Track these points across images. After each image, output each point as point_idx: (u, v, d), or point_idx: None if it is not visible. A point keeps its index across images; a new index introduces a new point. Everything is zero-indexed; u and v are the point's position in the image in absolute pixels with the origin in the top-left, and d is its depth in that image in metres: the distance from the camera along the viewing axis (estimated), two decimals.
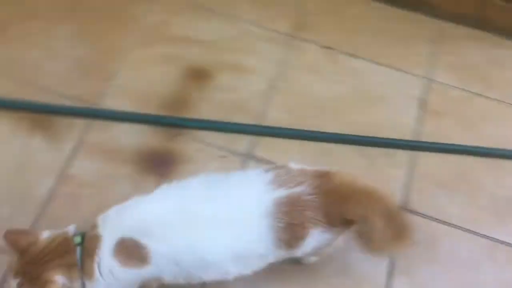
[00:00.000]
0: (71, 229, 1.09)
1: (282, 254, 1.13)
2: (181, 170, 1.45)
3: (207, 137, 1.51)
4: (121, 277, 1.06)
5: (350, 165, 1.49)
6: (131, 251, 1.05)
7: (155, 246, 1.04)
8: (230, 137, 1.52)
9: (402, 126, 1.58)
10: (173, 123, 1.51)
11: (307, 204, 1.09)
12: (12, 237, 1.06)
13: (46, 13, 1.67)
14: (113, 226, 1.08)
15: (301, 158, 1.48)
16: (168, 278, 1.09)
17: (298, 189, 1.09)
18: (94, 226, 1.08)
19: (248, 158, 1.49)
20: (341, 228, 1.14)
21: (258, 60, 1.67)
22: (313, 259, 1.29)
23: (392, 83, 1.67)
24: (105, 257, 1.05)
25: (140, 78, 1.59)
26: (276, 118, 1.57)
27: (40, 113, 1.48)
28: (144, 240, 1.04)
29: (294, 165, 1.15)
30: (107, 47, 1.64)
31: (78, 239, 1.06)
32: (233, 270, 1.10)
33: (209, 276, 1.12)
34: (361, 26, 1.80)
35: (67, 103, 1.51)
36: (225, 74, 1.63)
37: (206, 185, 1.11)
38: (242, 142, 1.52)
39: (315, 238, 1.12)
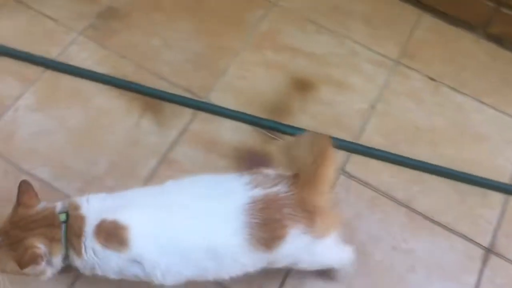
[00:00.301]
0: (58, 205, 1.13)
1: (259, 258, 1.12)
2: None
3: None
4: (103, 258, 1.09)
5: (440, 197, 1.50)
6: (111, 232, 1.08)
7: (136, 229, 1.07)
8: None
9: (499, 168, 1.56)
10: (272, 126, 1.57)
11: (285, 201, 1.09)
12: (24, 187, 1.11)
13: (169, 7, 1.79)
14: (98, 208, 1.11)
15: (392, 181, 1.52)
16: (148, 268, 1.10)
17: (274, 189, 1.10)
18: (76, 206, 1.11)
19: (339, 173, 1.53)
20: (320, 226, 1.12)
21: (361, 79, 1.71)
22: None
23: (493, 123, 1.66)
24: (89, 237, 1.08)
25: (247, 79, 1.67)
26: (371, 138, 1.60)
27: (152, 98, 1.59)
28: (125, 223, 1.08)
29: (270, 171, 1.16)
30: (220, 46, 1.73)
31: (63, 217, 1.10)
32: (210, 267, 1.11)
33: (187, 269, 1.12)
34: (468, 62, 1.80)
35: (177, 92, 1.61)
36: (327, 88, 1.68)
37: (191, 183, 1.15)
38: (336, 155, 1.56)
39: (294, 242, 1.10)
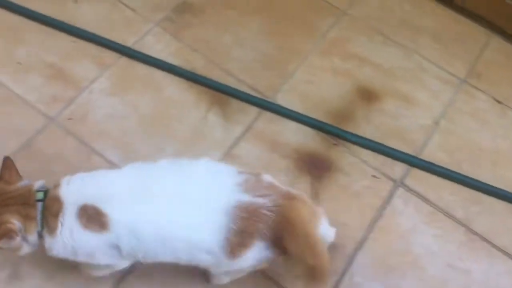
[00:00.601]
0: (37, 183, 1.15)
1: (223, 260, 1.12)
2: (332, 178, 1.52)
3: (364, 154, 1.57)
4: (79, 239, 1.10)
5: (499, 220, 1.49)
6: (92, 216, 1.09)
7: (115, 214, 1.09)
8: (385, 160, 1.57)
9: None
10: (335, 132, 1.59)
11: (263, 217, 1.09)
12: (8, 164, 1.15)
13: (241, 6, 1.83)
14: (77, 191, 1.12)
15: (451, 199, 1.52)
16: (126, 250, 1.12)
17: (260, 200, 1.10)
18: (57, 186, 1.13)
19: (398, 185, 1.53)
20: (279, 252, 1.13)
21: (427, 95, 1.71)
22: (225, 280, 1.28)
23: None
24: (68, 218, 1.10)
25: (313, 83, 1.70)
26: (433, 154, 1.60)
27: (220, 93, 1.63)
28: (105, 208, 1.09)
29: (267, 177, 1.16)
30: (288, 48, 1.76)
31: (40, 195, 1.12)
32: (182, 256, 1.12)
33: (163, 255, 1.13)
34: None
35: (244, 90, 1.65)
36: (392, 100, 1.69)
37: (176, 167, 1.15)
38: (396, 168, 1.56)
39: (256, 253, 1.11)
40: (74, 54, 1.64)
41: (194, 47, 1.72)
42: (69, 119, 1.52)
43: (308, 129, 1.61)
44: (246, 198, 1.09)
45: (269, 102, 1.62)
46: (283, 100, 1.65)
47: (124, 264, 1.20)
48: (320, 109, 1.65)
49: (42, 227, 1.11)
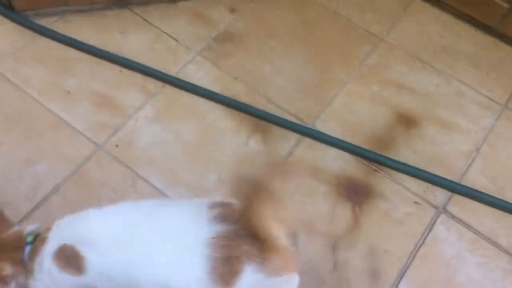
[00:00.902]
0: (29, 227, 1.16)
1: None
2: (374, 205, 1.53)
3: (405, 181, 1.58)
4: (58, 280, 1.11)
5: None
6: (69, 258, 1.09)
7: (92, 259, 1.08)
8: (427, 187, 1.57)
9: None
10: (375, 158, 1.60)
11: (243, 239, 1.08)
12: None
13: (283, 35, 1.87)
14: (61, 232, 1.13)
15: (495, 227, 1.50)
16: None
17: (236, 226, 1.09)
18: (48, 229, 1.14)
19: (441, 212, 1.53)
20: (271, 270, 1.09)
21: (467, 121, 1.71)
22: None
23: None
24: (47, 259, 1.10)
25: (352, 110, 1.72)
26: (474, 180, 1.59)
27: (261, 120, 1.66)
28: (83, 251, 1.08)
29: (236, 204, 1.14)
30: (328, 75, 1.79)
31: (29, 238, 1.13)
32: None
33: None
34: None
35: (285, 116, 1.68)
36: (432, 126, 1.69)
37: (154, 209, 1.15)
38: (438, 194, 1.56)
39: (248, 278, 1.08)
40: (120, 83, 1.71)
41: (234, 75, 1.76)
42: (116, 146, 1.58)
43: (348, 155, 1.62)
44: (223, 227, 1.09)
45: (309, 129, 1.65)
46: (322, 126, 1.67)
47: None
48: (359, 136, 1.66)
49: (25, 272, 1.13)
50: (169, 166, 1.56)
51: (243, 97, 1.72)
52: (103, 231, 1.12)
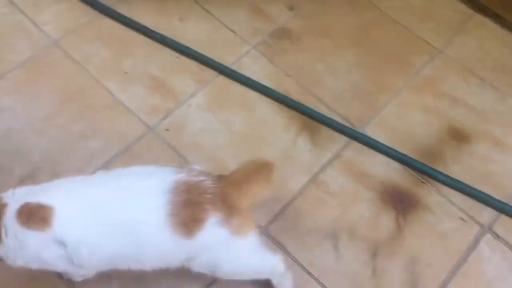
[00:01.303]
0: None
1: (179, 245, 1.10)
2: (418, 216, 1.51)
3: (452, 195, 1.55)
4: (25, 241, 1.08)
5: None
6: (33, 212, 1.08)
7: (58, 208, 1.07)
8: (474, 204, 1.54)
9: None
10: (424, 170, 1.58)
11: (207, 189, 1.11)
12: None
13: (337, 36, 1.87)
14: (21, 196, 1.11)
15: None
16: (71, 247, 1.09)
17: (198, 178, 1.13)
18: (1, 198, 1.11)
19: (486, 231, 1.49)
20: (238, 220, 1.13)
21: None
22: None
23: None
24: (10, 220, 1.08)
25: (403, 118, 1.69)
26: None
27: (311, 119, 1.66)
28: (47, 203, 1.08)
29: (196, 167, 1.21)
30: (380, 81, 1.77)
31: None
32: (131, 248, 1.10)
33: (109, 249, 1.11)
34: None
35: (335, 118, 1.68)
36: (484, 143, 1.66)
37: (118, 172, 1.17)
38: (485, 213, 1.53)
39: (212, 231, 1.10)
40: (176, 68, 1.73)
41: (288, 72, 1.77)
42: (167, 129, 1.60)
43: (396, 163, 1.60)
44: (184, 177, 1.13)
45: (358, 133, 1.64)
46: (372, 132, 1.66)
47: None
48: (408, 145, 1.64)
49: None
50: (216, 154, 1.58)
51: (295, 95, 1.72)
52: (65, 185, 1.14)
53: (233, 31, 1.85)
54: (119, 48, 1.75)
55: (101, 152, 1.53)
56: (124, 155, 1.53)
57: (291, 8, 1.93)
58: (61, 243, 1.09)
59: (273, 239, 1.44)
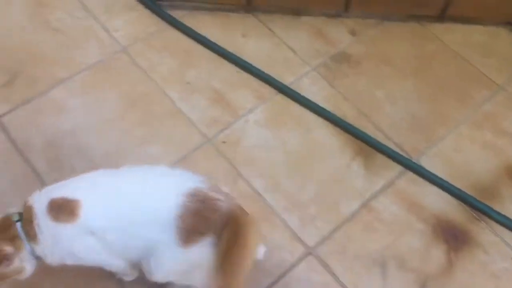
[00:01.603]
0: (8, 211, 1.18)
1: (174, 245, 1.12)
2: (470, 253, 1.48)
3: (506, 235, 1.52)
4: (58, 235, 1.14)
5: None
6: (62, 206, 1.13)
7: (85, 201, 1.13)
8: None
9: None
10: (479, 207, 1.55)
11: (218, 209, 1.13)
12: None
13: (398, 64, 1.86)
14: (46, 194, 1.16)
15: None
16: (100, 235, 1.14)
17: (217, 195, 1.14)
18: (27, 201, 1.17)
19: None
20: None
21: None
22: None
23: None
24: (41, 218, 1.13)
25: (460, 152, 1.67)
26: None
27: (366, 144, 1.66)
28: (74, 197, 1.13)
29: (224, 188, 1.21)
30: (440, 113, 1.76)
31: (16, 217, 1.16)
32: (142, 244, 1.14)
33: (129, 244, 1.15)
34: None
35: (391, 146, 1.67)
36: None
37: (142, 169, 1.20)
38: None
39: (205, 247, 1.12)
40: (237, 83, 1.76)
41: (346, 95, 1.78)
42: (223, 142, 1.63)
43: (450, 197, 1.58)
44: (204, 188, 1.15)
45: (414, 163, 1.62)
46: (427, 163, 1.64)
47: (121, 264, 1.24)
48: (464, 179, 1.62)
49: (28, 239, 1.16)
50: (270, 171, 1.59)
51: (351, 119, 1.72)
52: (89, 179, 1.20)
53: (294, 51, 1.87)
54: (183, 59, 1.81)
55: (159, 158, 1.57)
56: (181, 163, 1.57)
57: (353, 33, 1.95)
58: (90, 232, 1.15)
59: (320, 260, 1.45)
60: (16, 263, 1.17)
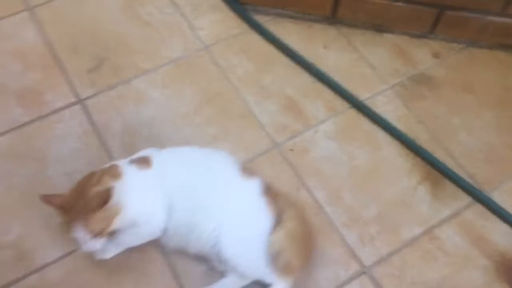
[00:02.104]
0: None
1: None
2: None
3: None
4: (135, 177, 1.34)
5: None
6: (141, 160, 1.39)
7: (156, 159, 1.39)
8: None
9: None
10: None
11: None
12: (47, 198, 1.27)
13: (480, 93, 1.79)
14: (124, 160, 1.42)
15: None
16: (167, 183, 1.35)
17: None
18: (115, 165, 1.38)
19: None
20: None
21: None
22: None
23: None
24: (125, 165, 1.37)
25: None
26: None
27: (436, 170, 1.62)
28: (149, 156, 1.40)
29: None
30: None
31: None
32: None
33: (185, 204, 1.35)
34: None
35: (462, 175, 1.61)
36: None
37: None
38: None
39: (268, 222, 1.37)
40: (311, 93, 1.77)
41: (421, 118, 1.73)
42: (291, 149, 1.65)
43: None
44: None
45: (485, 196, 1.56)
46: (499, 197, 1.57)
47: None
48: None
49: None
50: (334, 185, 1.59)
51: (423, 143, 1.68)
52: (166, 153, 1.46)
53: (373, 68, 1.85)
54: (261, 63, 1.84)
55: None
56: (248, 164, 1.59)
57: (436, 55, 1.90)
58: (162, 178, 1.36)
59: (374, 281, 1.43)
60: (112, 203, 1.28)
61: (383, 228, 1.52)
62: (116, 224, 1.27)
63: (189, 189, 1.36)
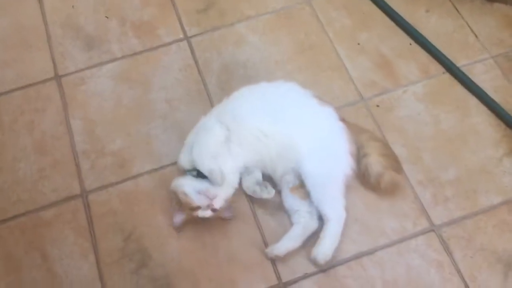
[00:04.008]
0: None
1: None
2: None
3: None
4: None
5: None
6: None
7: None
8: None
9: None
10: None
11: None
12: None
13: None
14: None
15: None
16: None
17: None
18: None
19: None
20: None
21: None
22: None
23: None
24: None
25: None
26: None
27: None
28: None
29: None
30: None
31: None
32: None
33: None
34: None
35: None
36: None
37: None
38: None
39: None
40: (406, 54, 1.77)
41: None
42: (377, 106, 1.67)
43: None
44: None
45: None
46: None
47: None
48: None
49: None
50: (415, 144, 1.60)
51: None
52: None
53: (476, 36, 1.79)
54: (360, 20, 1.86)
55: None
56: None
57: None
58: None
59: (442, 240, 1.43)
60: None
61: (459, 192, 1.51)
62: None
63: (277, 115, 1.47)
